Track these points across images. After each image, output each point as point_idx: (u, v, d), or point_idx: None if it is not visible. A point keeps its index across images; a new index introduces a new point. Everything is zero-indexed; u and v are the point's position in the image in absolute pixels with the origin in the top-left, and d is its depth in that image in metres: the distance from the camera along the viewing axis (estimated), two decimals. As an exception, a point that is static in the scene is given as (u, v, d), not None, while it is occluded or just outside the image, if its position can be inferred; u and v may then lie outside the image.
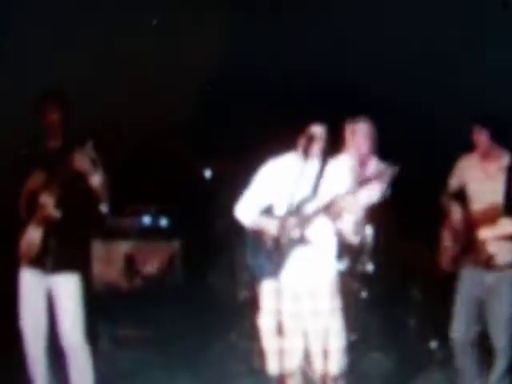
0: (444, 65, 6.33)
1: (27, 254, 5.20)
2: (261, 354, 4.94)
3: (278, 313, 4.69)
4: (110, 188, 5.24)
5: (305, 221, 4.83)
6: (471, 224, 5.39)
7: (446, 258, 5.54)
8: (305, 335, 4.89)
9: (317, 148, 4.87)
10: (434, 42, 6.19)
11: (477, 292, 5.42)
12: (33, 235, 5.17)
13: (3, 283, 5.62)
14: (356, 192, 4.76)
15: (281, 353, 4.73)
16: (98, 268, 7.55)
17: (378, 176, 4.78)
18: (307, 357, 4.91)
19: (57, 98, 5.28)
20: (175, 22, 6.70)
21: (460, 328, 5.44)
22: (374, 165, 6.14)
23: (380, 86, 6.33)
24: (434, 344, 6.43)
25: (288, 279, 4.82)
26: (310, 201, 4.87)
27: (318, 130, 4.88)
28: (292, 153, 5.00)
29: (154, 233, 8.21)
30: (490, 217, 5.33)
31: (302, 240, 4.85)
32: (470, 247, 5.39)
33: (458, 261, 5.47)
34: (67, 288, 5.22)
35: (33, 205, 5.16)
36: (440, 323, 5.89)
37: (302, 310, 4.88)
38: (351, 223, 4.85)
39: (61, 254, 5.18)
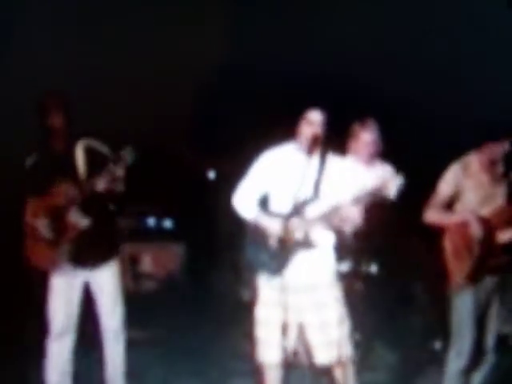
0: (445, 65, 6.34)
1: (64, 261, 5.29)
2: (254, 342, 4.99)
3: (275, 305, 4.76)
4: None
5: (308, 224, 4.85)
6: (490, 230, 5.29)
7: (460, 273, 5.34)
8: (300, 328, 4.93)
9: (313, 134, 4.89)
10: (435, 43, 6.19)
11: (482, 297, 5.38)
12: (67, 248, 5.26)
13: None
14: (360, 203, 4.78)
15: (273, 344, 4.82)
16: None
17: (381, 188, 4.75)
18: (305, 348, 4.96)
19: (60, 99, 5.28)
20: (175, 22, 6.72)
21: (472, 337, 5.36)
22: (378, 168, 6.12)
23: (381, 86, 6.34)
24: (437, 344, 6.43)
25: (286, 273, 4.84)
26: (312, 201, 4.89)
27: (314, 115, 4.92)
28: (291, 144, 5.03)
29: (158, 234, 8.21)
30: (502, 220, 5.29)
31: (306, 242, 4.88)
32: (489, 254, 5.29)
33: (476, 271, 5.30)
34: (110, 279, 5.42)
35: (60, 223, 5.22)
36: (444, 323, 5.86)
37: (300, 302, 4.90)
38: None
39: (98, 251, 5.34)
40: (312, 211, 4.87)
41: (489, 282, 5.36)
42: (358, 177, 5.11)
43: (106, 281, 5.40)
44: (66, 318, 5.36)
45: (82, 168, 5.28)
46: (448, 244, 5.41)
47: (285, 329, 4.75)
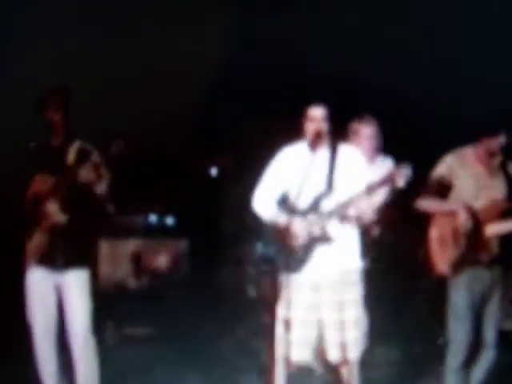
0: (445, 62, 6.32)
1: (36, 255, 5.29)
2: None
3: (296, 304, 4.78)
4: (115, 188, 5.32)
5: (324, 218, 4.87)
6: (477, 222, 5.31)
7: (443, 262, 5.37)
8: (320, 326, 4.93)
9: (315, 129, 4.89)
10: (435, 41, 6.17)
11: (478, 291, 5.37)
12: (40, 238, 5.26)
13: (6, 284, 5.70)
14: (371, 193, 4.79)
15: (294, 343, 4.80)
16: (105, 266, 7.62)
17: (392, 177, 4.77)
18: (320, 346, 4.96)
19: (60, 95, 5.29)
20: (175, 22, 6.70)
21: (468, 331, 5.36)
22: (379, 163, 6.11)
23: (381, 84, 6.32)
24: (441, 340, 6.43)
25: (308, 271, 4.88)
26: (326, 196, 4.91)
27: (315, 110, 4.92)
28: (304, 141, 5.03)
29: (160, 231, 8.22)
30: (495, 213, 5.30)
31: (323, 238, 4.89)
32: (475, 246, 5.30)
33: (460, 262, 5.33)
34: (78, 283, 5.32)
35: (38, 211, 5.23)
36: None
37: (320, 301, 4.92)
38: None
39: (70, 252, 5.28)
40: (328, 205, 4.89)
41: (486, 274, 5.35)
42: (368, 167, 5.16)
43: (76, 285, 5.32)
44: (45, 321, 5.33)
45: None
46: (434, 232, 5.43)
47: (289, 325, 4.74)
